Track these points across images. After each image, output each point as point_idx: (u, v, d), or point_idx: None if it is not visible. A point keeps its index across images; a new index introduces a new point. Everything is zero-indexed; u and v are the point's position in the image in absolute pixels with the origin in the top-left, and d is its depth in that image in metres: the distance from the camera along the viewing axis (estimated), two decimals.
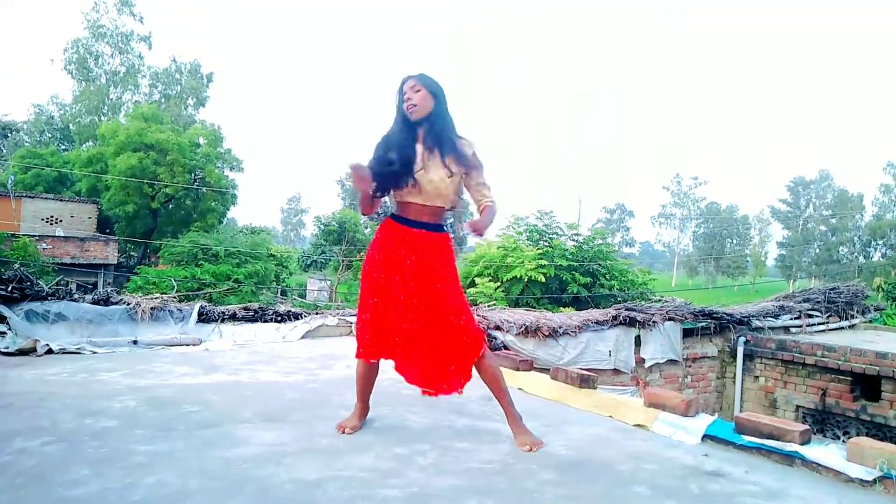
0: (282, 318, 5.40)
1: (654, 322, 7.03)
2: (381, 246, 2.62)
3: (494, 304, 8.52)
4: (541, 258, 13.36)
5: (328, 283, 26.78)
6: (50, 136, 37.54)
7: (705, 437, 2.83)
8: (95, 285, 19.08)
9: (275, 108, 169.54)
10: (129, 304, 4.90)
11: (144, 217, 26.56)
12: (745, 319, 7.89)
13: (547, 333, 6.22)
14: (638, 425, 3.05)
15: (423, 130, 2.60)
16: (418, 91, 2.56)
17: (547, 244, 14.62)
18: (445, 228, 2.72)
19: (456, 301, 2.62)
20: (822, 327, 8.49)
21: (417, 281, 2.58)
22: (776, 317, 8.19)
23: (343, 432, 2.68)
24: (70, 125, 36.10)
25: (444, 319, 2.57)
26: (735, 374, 7.77)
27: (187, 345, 4.72)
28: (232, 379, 3.69)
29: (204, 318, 5.11)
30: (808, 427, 2.64)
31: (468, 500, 2.05)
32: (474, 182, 2.67)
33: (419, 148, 2.58)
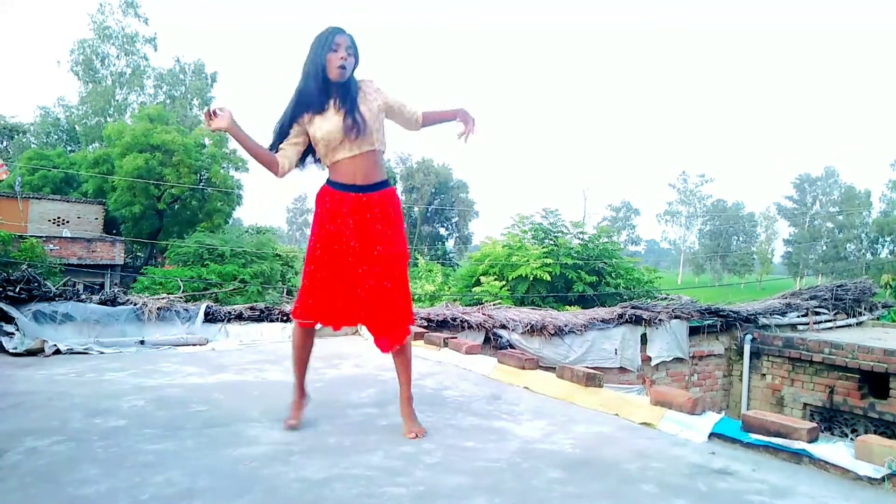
0: (288, 317, 5.41)
1: (660, 320, 7.02)
2: (321, 218, 2.60)
3: (500, 303, 8.52)
4: (546, 257, 13.35)
5: None
6: (56, 137, 37.70)
7: (712, 435, 2.82)
8: (102, 286, 19.16)
9: (278, 106, 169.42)
10: (135, 305, 4.92)
11: (151, 218, 26.66)
12: (752, 317, 7.87)
13: (552, 332, 6.22)
14: (644, 423, 3.04)
15: (336, 92, 2.55)
16: (351, 55, 2.52)
17: (552, 242, 14.60)
18: (390, 183, 2.67)
19: (394, 264, 2.60)
20: (829, 325, 8.46)
21: (360, 245, 2.57)
22: (783, 314, 8.17)
23: (290, 428, 2.66)
24: (76, 126, 36.26)
25: (379, 284, 2.57)
26: (742, 372, 7.75)
27: (194, 345, 4.73)
28: (239, 378, 3.70)
29: (210, 318, 5.12)
30: (816, 425, 2.63)
31: (475, 498, 2.05)
32: (395, 105, 2.65)
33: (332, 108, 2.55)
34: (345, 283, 2.59)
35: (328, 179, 2.64)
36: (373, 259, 2.57)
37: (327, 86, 2.54)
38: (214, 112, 2.47)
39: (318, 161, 2.71)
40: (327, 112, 2.55)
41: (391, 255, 2.60)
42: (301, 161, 2.70)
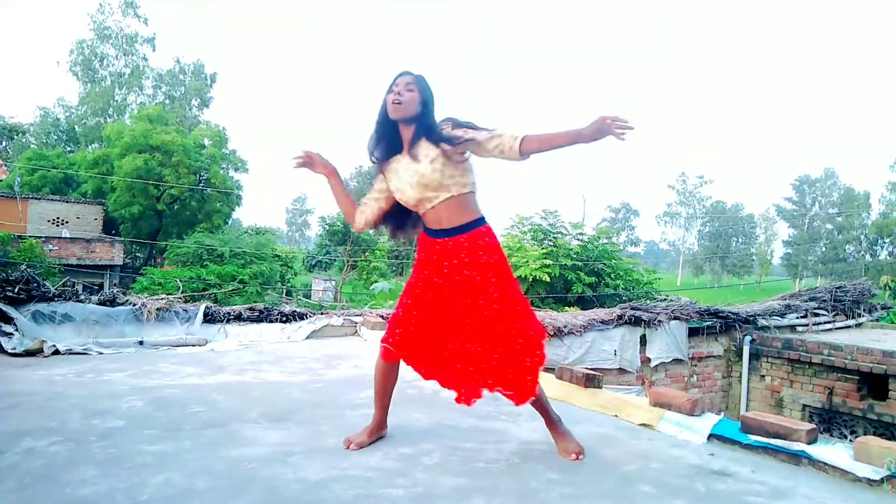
0: (287, 318, 5.41)
1: (659, 321, 7.02)
2: (419, 263, 2.47)
3: None
4: (545, 258, 13.33)
5: (333, 283, 26.81)
6: (56, 137, 37.66)
7: (711, 436, 2.82)
8: (101, 286, 19.15)
9: (279, 107, 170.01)
10: (134, 305, 4.92)
11: (150, 218, 26.67)
12: (751, 318, 7.86)
13: (552, 333, 6.21)
14: (643, 425, 3.04)
15: (406, 132, 2.41)
16: (411, 91, 2.36)
17: (551, 244, 14.59)
18: (481, 222, 2.40)
19: (496, 318, 2.35)
20: (828, 326, 8.45)
21: (458, 297, 2.38)
22: (782, 316, 8.16)
23: (348, 447, 2.50)
24: (76, 127, 36.24)
25: (504, 344, 2.35)
26: (741, 374, 7.74)
27: (193, 345, 4.73)
28: (237, 379, 3.70)
29: (209, 318, 5.12)
30: (815, 426, 2.63)
31: (474, 499, 2.05)
32: (483, 141, 2.30)
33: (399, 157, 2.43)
34: (438, 331, 2.43)
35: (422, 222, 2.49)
36: (467, 314, 2.37)
37: (395, 134, 2.43)
38: (308, 156, 2.54)
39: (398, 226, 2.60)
40: (400, 164, 2.42)
41: (488, 307, 2.35)
42: (388, 220, 2.58)
